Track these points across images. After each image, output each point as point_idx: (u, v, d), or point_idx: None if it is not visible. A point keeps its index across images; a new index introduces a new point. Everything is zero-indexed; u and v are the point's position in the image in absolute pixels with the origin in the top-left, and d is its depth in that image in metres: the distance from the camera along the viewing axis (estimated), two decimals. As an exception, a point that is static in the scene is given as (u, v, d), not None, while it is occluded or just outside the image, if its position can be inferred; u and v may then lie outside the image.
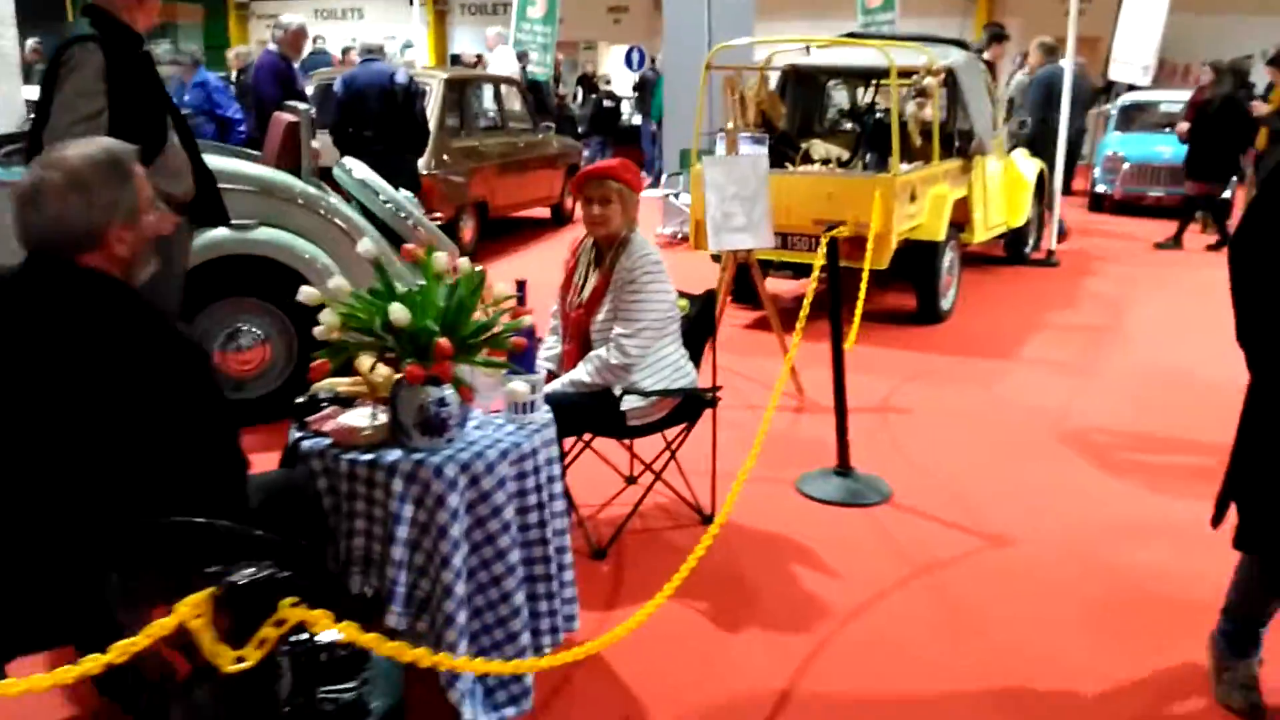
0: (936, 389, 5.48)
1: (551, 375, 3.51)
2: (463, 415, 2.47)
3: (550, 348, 3.63)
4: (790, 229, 6.33)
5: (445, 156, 8.23)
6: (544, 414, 2.72)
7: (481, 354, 2.52)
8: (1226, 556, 2.67)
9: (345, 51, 16.12)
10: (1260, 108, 9.14)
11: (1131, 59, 12.06)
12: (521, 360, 2.64)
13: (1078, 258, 9.10)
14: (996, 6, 20.46)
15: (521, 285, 3.07)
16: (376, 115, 7.14)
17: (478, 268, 2.61)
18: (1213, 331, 6.81)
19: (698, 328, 3.69)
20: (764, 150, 6.57)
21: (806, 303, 4.50)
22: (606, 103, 15.63)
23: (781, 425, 4.93)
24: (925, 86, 6.39)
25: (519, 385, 2.47)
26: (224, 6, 28.17)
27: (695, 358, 3.70)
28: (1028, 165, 8.67)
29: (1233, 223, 9.36)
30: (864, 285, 5.66)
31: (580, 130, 14.99)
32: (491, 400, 2.67)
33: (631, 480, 4.03)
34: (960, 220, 7.21)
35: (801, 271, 6.63)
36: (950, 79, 6.91)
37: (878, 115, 7.40)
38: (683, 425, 3.62)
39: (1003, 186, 8.13)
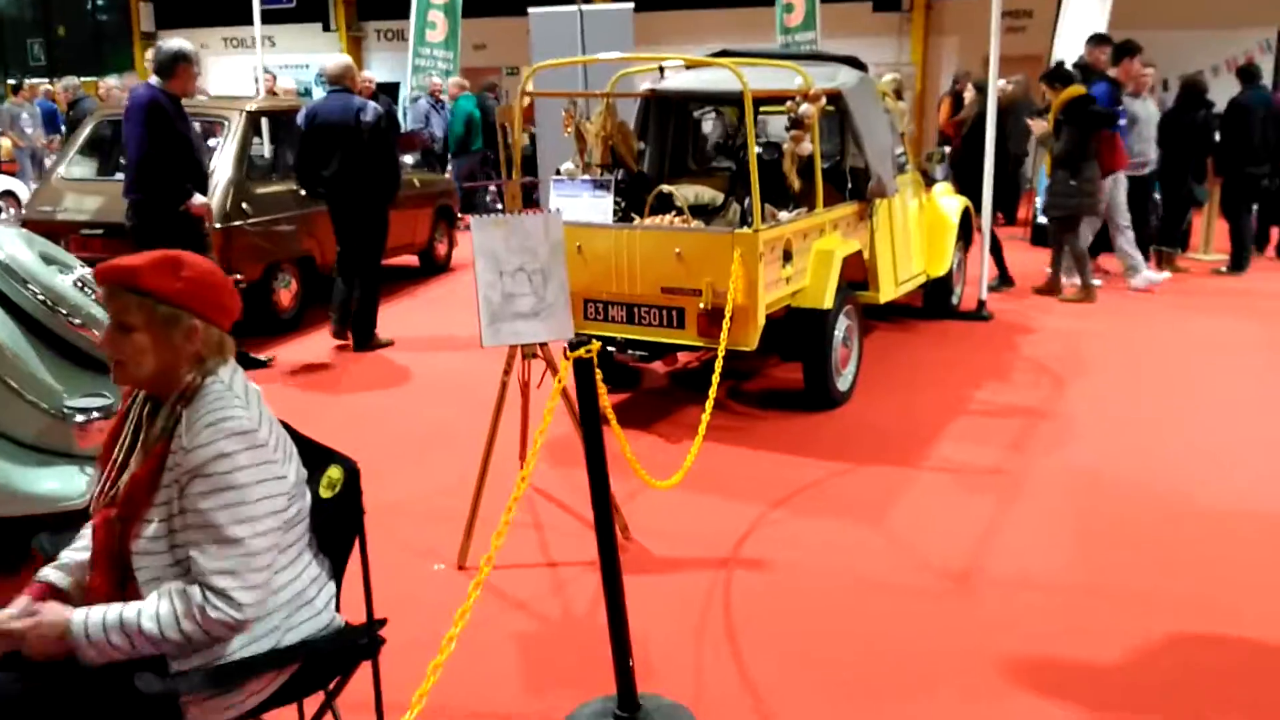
0: (804, 524, 4.05)
1: (54, 592, 2.05)
2: None
3: (78, 547, 2.14)
4: (635, 298, 4.93)
5: (245, 205, 6.76)
6: None
7: None
8: None
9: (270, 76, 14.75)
10: (1038, 125, 8.00)
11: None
12: None
13: (1015, 307, 7.79)
14: (932, 26, 19.47)
15: None
16: (340, 157, 6.33)
17: None
18: (1181, 412, 5.29)
19: (339, 519, 2.23)
20: (607, 197, 5.21)
21: (539, 433, 3.08)
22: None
23: (582, 595, 3.49)
24: (801, 115, 5.03)
25: None
26: (130, 36, 26.71)
27: (340, 565, 2.27)
28: (950, 203, 7.36)
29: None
30: (716, 378, 4.24)
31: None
32: None
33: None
34: (861, 277, 5.86)
35: (657, 351, 5.23)
36: (838, 105, 5.56)
37: (756, 150, 6.04)
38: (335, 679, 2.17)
39: (919, 231, 6.81)
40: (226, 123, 6.94)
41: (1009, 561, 3.68)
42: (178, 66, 5.64)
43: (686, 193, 5.71)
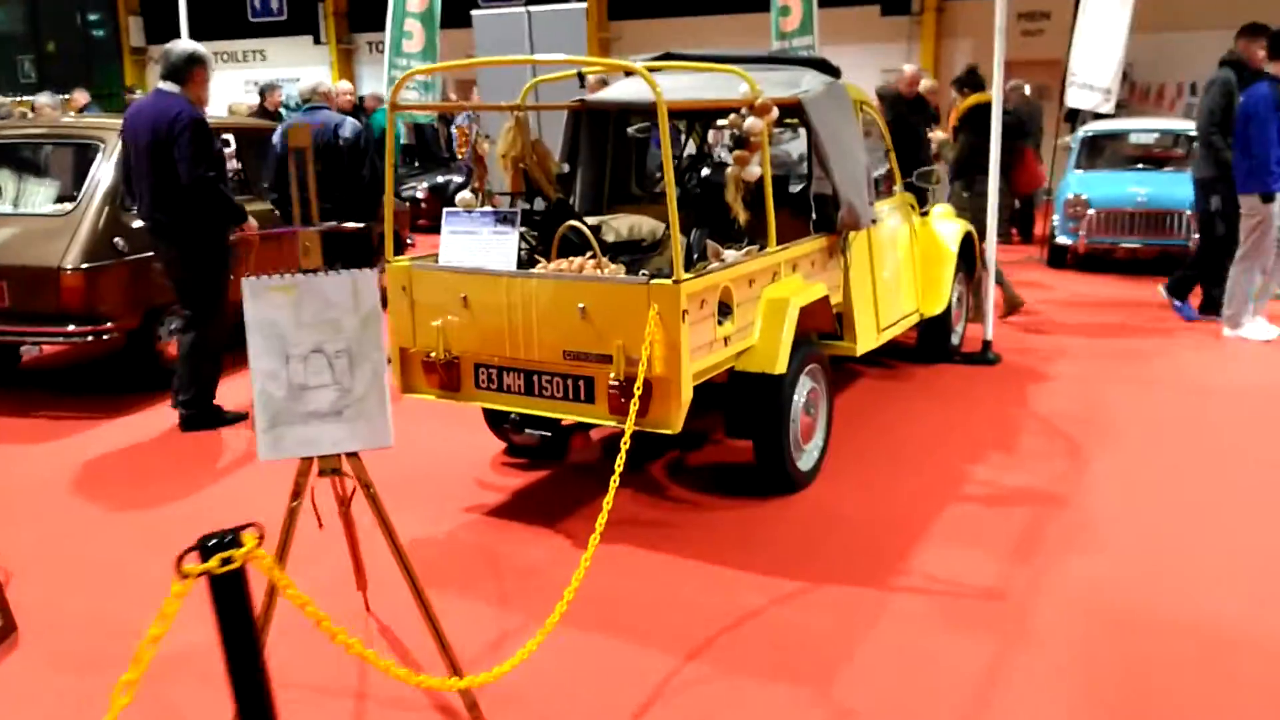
0: (723, 689, 2.97)
1: None
2: None
3: None
4: (534, 364, 3.90)
5: (117, 240, 5.76)
6: None
7: None
8: None
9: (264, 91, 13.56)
10: (935, 136, 7.51)
11: (1092, 82, 9.94)
12: None
13: (1027, 347, 6.70)
14: (944, 29, 18.43)
15: None
16: (318, 176, 5.45)
17: None
18: (1238, 502, 3.98)
19: None
20: (512, 234, 4.18)
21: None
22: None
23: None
24: (746, 131, 3.99)
25: None
26: (119, 51, 26.18)
27: None
28: (949, 229, 6.30)
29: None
30: (616, 478, 3.20)
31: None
32: None
33: None
34: (832, 326, 4.80)
35: (562, 432, 4.19)
36: (800, 119, 4.52)
37: (703, 173, 5.02)
38: None
39: (909, 263, 5.75)
40: (102, 145, 5.97)
41: (1001, 759, 2.61)
42: (193, 70, 5.00)
43: (620, 225, 4.67)
